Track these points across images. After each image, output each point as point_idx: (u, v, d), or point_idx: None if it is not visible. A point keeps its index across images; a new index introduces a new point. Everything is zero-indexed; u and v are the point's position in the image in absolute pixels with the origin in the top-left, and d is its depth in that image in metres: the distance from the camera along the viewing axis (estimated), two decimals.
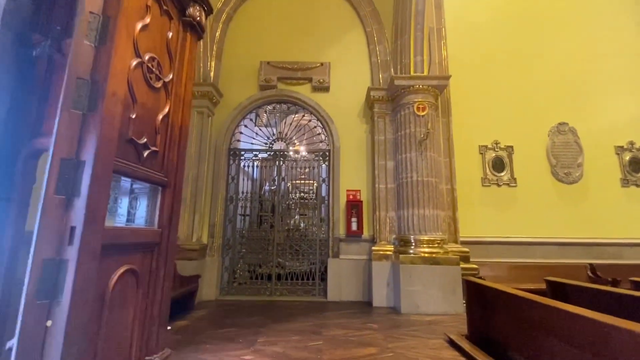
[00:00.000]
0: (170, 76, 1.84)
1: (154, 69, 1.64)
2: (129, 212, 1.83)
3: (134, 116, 1.50)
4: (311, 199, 9.12)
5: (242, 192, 6.04)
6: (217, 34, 6.16)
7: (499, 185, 5.77)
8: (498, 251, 5.48)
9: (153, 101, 1.69)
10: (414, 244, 4.87)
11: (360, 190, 5.72)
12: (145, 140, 1.59)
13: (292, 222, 6.60)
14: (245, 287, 5.73)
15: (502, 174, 5.79)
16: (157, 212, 1.73)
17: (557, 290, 3.30)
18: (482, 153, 5.87)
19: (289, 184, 7.67)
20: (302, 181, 10.23)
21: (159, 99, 1.74)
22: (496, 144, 5.88)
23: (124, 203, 1.82)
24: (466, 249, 5.08)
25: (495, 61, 6.14)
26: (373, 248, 5.19)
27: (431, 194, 4.99)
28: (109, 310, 1.33)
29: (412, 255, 4.75)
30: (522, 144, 5.89)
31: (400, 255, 4.73)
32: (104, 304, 1.31)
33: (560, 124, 5.95)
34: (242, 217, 6.25)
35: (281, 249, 5.86)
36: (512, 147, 5.87)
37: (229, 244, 5.83)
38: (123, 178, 1.58)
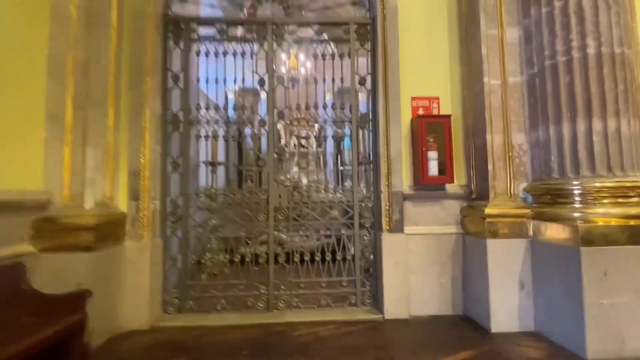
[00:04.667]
0: None
1: None
2: None
3: None
4: (314, 141, 6.28)
5: (202, 108, 3.03)
6: None
7: None
8: None
9: None
10: (579, 196, 2.16)
11: (438, 98, 2.86)
12: None
13: (286, 178, 3.70)
14: (217, 293, 2.94)
15: None
16: None
17: None
18: None
19: (279, 125, 4.85)
20: (298, 123, 7.34)
21: None
22: None
23: None
24: None
25: None
26: (487, 211, 2.45)
27: (629, 87, 2.21)
28: None
29: (588, 222, 2.05)
30: None
31: (580, 225, 2.02)
32: None
33: None
34: (207, 167, 3.27)
35: (283, 217, 3.05)
36: None
37: (177, 212, 2.92)
38: None
